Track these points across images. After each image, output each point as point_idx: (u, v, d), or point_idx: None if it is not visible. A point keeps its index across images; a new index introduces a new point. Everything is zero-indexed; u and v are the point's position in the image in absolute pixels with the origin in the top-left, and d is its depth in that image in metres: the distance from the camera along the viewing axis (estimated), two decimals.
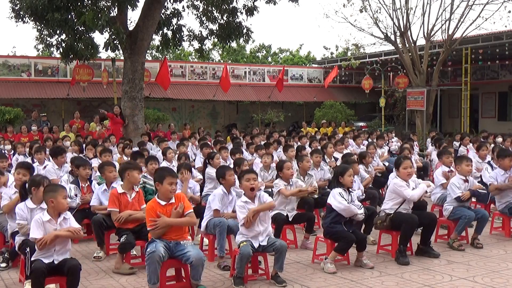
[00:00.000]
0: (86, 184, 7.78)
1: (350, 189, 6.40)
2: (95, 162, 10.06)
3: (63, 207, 5.09)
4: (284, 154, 10.68)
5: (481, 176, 9.26)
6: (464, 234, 7.35)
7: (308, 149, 13.13)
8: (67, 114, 22.52)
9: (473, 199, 9.53)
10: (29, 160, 10.68)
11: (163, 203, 5.38)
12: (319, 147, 11.91)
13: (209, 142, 12.47)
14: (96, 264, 6.57)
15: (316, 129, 21.49)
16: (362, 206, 6.44)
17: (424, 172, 12.01)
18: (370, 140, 14.32)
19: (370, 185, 9.20)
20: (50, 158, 9.77)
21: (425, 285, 5.58)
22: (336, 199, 6.20)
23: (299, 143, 13.42)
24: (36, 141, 12.89)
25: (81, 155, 11.23)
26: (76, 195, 7.53)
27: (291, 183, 7.29)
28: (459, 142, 13.65)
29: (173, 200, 5.42)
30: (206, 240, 6.88)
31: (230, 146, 12.84)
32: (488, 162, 9.29)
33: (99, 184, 7.89)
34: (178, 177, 5.61)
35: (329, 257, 6.16)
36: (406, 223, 6.45)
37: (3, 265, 6.30)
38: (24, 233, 5.75)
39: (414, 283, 5.63)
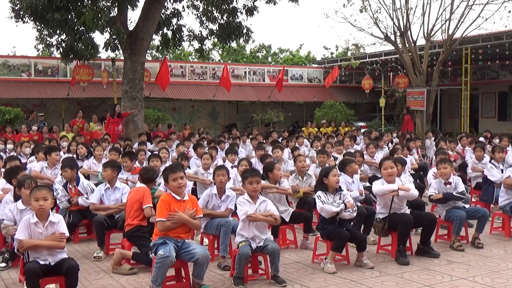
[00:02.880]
0: (73, 185, 7.67)
1: (339, 189, 6.37)
2: (88, 163, 10.14)
3: (34, 209, 5.05)
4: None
5: (484, 175, 9.19)
6: (464, 234, 7.35)
7: (304, 149, 13.17)
8: (67, 114, 22.54)
9: (473, 199, 9.58)
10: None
11: (178, 198, 5.41)
12: (320, 148, 11.93)
13: (202, 142, 12.48)
14: (96, 264, 6.57)
15: (316, 129, 21.49)
16: (343, 203, 6.26)
17: (423, 173, 11.98)
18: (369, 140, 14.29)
19: (368, 184, 9.21)
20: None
21: (425, 285, 5.58)
22: (317, 203, 6.24)
23: (296, 144, 13.41)
24: (28, 142, 12.84)
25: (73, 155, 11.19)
26: (66, 196, 7.52)
27: (278, 185, 7.27)
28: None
29: (186, 197, 5.46)
30: (206, 240, 6.88)
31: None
32: (490, 162, 9.23)
33: (98, 183, 7.90)
34: (182, 171, 5.55)
35: (329, 257, 6.16)
36: (402, 223, 6.47)
37: (3, 265, 6.30)
38: (6, 233, 5.79)
39: (414, 283, 5.63)
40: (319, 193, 6.31)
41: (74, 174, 7.66)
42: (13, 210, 5.79)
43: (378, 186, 6.70)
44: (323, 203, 6.17)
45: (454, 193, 7.11)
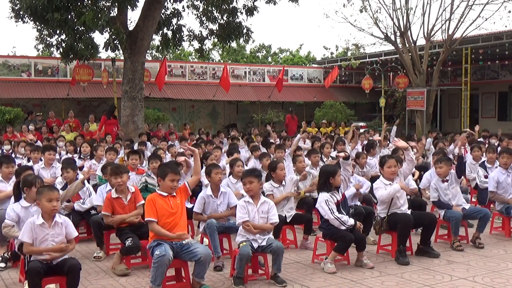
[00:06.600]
0: None
1: (338, 188, 6.38)
2: (88, 163, 10.08)
3: (47, 210, 4.99)
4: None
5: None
6: (464, 234, 7.35)
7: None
8: (67, 114, 22.50)
9: (473, 199, 9.56)
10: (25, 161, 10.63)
11: (164, 194, 5.43)
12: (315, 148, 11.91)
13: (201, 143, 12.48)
14: (96, 264, 6.57)
15: (316, 129, 21.48)
16: (354, 210, 6.41)
17: (424, 172, 11.95)
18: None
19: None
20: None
21: (425, 285, 5.58)
22: (323, 208, 6.18)
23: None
24: (24, 142, 12.81)
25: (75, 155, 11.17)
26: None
27: (283, 183, 7.27)
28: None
29: (174, 193, 5.48)
30: (206, 240, 6.88)
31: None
32: (482, 164, 9.22)
33: (97, 185, 7.86)
34: (180, 175, 5.62)
35: (329, 257, 6.16)
36: (401, 223, 6.46)
37: (2, 265, 6.29)
38: (6, 233, 5.75)
39: (414, 283, 5.63)
40: (326, 196, 6.21)
41: (75, 176, 7.64)
42: (16, 209, 5.75)
43: (382, 192, 6.58)
44: (332, 213, 6.10)
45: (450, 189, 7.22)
